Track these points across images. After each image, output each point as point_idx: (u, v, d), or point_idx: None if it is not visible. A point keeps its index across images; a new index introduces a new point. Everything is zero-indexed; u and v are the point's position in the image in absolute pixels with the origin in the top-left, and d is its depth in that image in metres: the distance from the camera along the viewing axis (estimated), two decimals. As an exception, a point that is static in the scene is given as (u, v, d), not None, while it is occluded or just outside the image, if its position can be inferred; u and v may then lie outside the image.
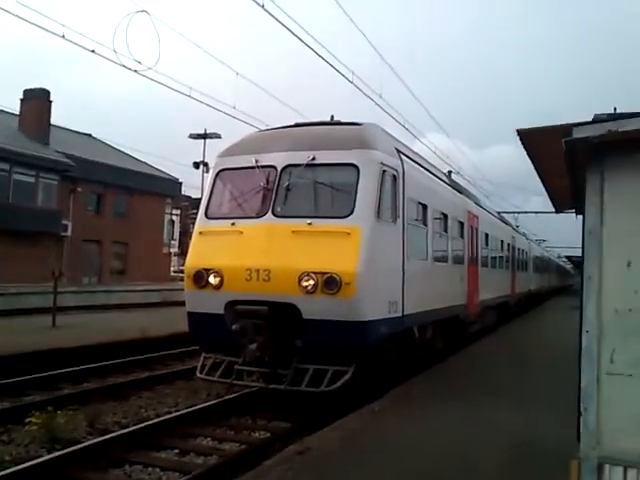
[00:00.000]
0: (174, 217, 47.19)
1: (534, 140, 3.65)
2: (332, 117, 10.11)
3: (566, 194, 5.84)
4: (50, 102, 35.17)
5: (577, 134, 3.10)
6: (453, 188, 14.00)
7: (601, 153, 3.34)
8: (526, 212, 45.18)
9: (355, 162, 8.16)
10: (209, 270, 8.27)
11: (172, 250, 47.20)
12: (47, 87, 35.11)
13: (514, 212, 43.27)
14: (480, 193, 28.82)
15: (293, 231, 7.97)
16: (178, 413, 8.30)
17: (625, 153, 3.31)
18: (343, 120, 9.80)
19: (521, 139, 3.56)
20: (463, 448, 6.15)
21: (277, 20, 10.37)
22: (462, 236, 13.77)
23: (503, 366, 11.45)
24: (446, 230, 12.19)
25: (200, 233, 8.85)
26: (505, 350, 14.04)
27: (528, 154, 3.97)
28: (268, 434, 7.73)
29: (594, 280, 3.37)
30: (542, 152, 3.81)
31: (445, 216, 12.15)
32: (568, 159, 3.44)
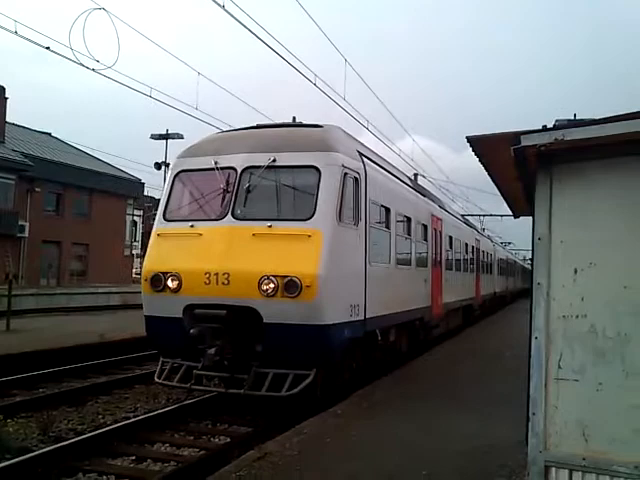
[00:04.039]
0: (136, 218, 46.48)
1: (485, 147, 3.69)
2: (294, 118, 10.06)
3: (522, 200, 5.93)
4: (5, 99, 34.22)
5: (525, 142, 3.14)
6: (416, 191, 14.07)
7: (549, 161, 3.39)
8: (490, 215, 46.06)
9: (316, 164, 8.12)
10: (167, 273, 8.13)
11: (134, 252, 46.46)
12: (2, 83, 34.21)
13: (479, 215, 44.16)
14: (445, 196, 29.26)
15: (253, 234, 7.89)
16: (135, 419, 8.13)
17: (572, 161, 3.37)
18: (305, 122, 9.76)
19: (472, 146, 3.60)
20: (422, 451, 6.19)
21: (237, 20, 10.28)
22: (425, 239, 13.87)
23: (466, 368, 11.59)
24: (409, 233, 12.24)
25: (158, 235, 8.68)
26: (468, 352, 14.20)
27: (480, 161, 4.02)
28: (228, 439, 7.64)
29: (543, 287, 3.42)
30: (494, 159, 3.85)
31: (408, 219, 12.21)
32: (518, 166, 3.49)
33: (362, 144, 10.30)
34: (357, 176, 8.76)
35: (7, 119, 34.58)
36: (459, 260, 19.22)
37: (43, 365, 11.53)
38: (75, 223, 36.88)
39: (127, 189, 41.89)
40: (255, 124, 9.80)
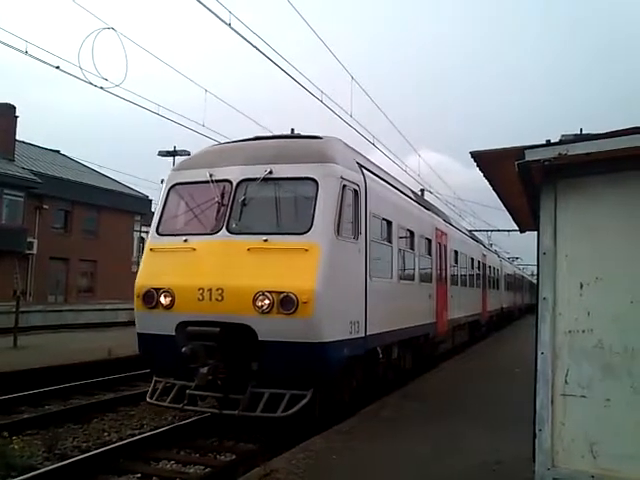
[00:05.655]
0: (144, 235, 46.62)
1: (490, 162, 3.69)
2: (292, 130, 9.81)
3: (527, 214, 5.92)
4: (16, 117, 34.63)
5: (529, 157, 3.14)
6: (420, 205, 13.93)
7: (554, 175, 3.39)
8: (497, 230, 46.06)
9: (314, 176, 7.89)
10: (159, 289, 7.91)
11: (142, 268, 46.49)
12: (12, 102, 34.60)
13: (486, 230, 44.14)
14: (452, 212, 29.24)
15: (248, 248, 7.66)
16: (141, 436, 8.07)
17: (577, 176, 3.37)
18: (304, 133, 9.52)
19: (476, 161, 3.60)
20: (430, 470, 6.11)
21: (243, 38, 10.40)
22: (430, 254, 13.69)
23: (473, 385, 11.46)
24: (412, 247, 12.02)
25: (151, 250, 8.48)
26: (476, 369, 14.05)
27: (485, 176, 4.02)
28: (234, 456, 7.57)
29: (548, 301, 3.39)
30: (499, 173, 3.86)
31: (411, 233, 11.99)
32: (523, 181, 3.49)
33: (362, 156, 10.04)
34: (357, 188, 8.53)
35: (17, 137, 34.99)
36: (465, 275, 19.06)
37: (50, 382, 11.51)
38: (83, 240, 37.06)
39: (135, 206, 42.13)
40: (253, 136, 9.58)
